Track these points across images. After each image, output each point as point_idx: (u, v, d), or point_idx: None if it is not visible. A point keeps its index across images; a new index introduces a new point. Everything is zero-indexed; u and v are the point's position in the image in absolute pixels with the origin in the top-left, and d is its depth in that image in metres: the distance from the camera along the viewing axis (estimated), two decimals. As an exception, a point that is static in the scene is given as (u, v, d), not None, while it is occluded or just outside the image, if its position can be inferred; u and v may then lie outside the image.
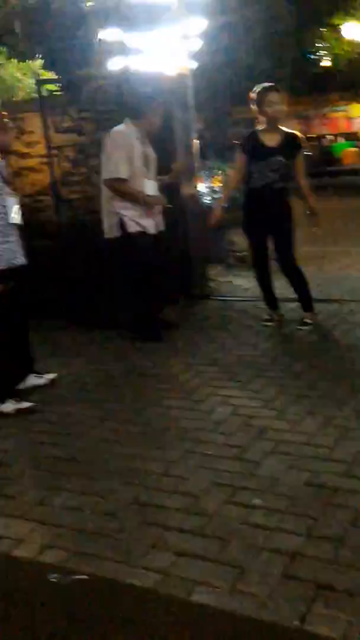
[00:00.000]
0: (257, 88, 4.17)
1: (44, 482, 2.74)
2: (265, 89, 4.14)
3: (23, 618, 1.95)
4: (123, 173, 4.11)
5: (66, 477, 2.74)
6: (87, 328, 4.72)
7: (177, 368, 3.86)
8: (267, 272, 4.49)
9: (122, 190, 4.17)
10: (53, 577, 2.11)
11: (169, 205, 4.36)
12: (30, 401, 3.56)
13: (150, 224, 4.29)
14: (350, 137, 22.90)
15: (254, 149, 4.19)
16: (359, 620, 1.75)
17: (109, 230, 4.31)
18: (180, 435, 2.99)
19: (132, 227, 4.21)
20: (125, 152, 4.12)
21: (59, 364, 4.06)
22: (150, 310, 4.43)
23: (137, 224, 4.22)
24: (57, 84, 5.52)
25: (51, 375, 3.86)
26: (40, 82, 5.49)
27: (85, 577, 2.09)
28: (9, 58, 8.80)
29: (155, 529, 2.28)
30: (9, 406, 3.52)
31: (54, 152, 5.06)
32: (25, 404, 3.56)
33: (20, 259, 3.58)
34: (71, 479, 2.72)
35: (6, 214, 3.52)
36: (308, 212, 4.31)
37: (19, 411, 3.50)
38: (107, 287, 4.69)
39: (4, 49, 9.29)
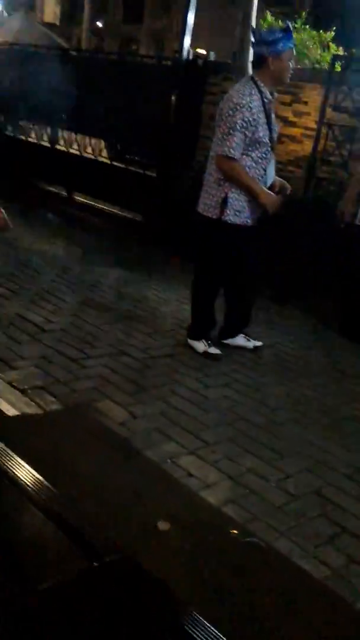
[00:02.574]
0: None
1: (236, 440, 3.06)
2: None
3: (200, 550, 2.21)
4: None
5: (256, 442, 3.07)
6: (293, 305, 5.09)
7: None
8: None
9: None
10: (233, 532, 2.33)
11: None
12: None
13: None
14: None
15: None
16: None
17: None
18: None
19: None
20: None
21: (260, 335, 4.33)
22: None
23: None
24: (343, 61, 5.67)
25: (258, 343, 4.21)
26: (336, 58, 5.82)
27: (262, 544, 2.31)
28: (304, 25, 9.24)
29: (334, 527, 2.52)
30: (201, 346, 3.98)
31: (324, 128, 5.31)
32: (214, 351, 3.97)
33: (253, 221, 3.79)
34: (260, 447, 3.04)
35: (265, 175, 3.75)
36: None
37: (205, 353, 3.94)
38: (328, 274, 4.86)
39: (303, 14, 9.43)
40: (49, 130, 8.47)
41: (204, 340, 4.00)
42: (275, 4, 13.86)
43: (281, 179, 4.02)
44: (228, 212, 3.70)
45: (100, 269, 5.48)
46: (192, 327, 4.07)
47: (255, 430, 3.20)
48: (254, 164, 3.67)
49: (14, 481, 1.63)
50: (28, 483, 1.65)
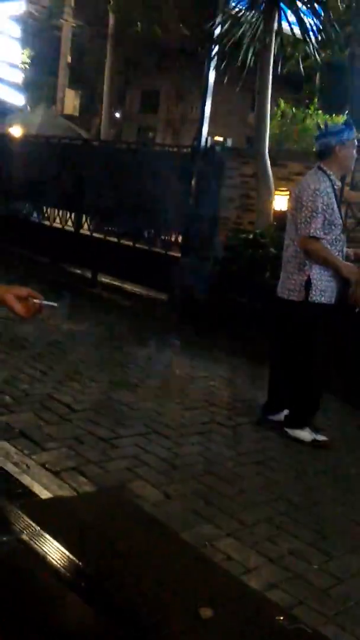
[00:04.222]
0: None
1: (274, 520, 2.97)
2: None
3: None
4: None
5: (296, 523, 2.97)
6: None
7: None
8: None
9: None
10: (280, 619, 2.25)
11: None
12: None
13: None
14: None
15: None
16: None
17: None
18: None
19: None
20: None
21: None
22: None
23: None
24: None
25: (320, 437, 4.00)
26: None
27: (310, 630, 2.24)
28: (317, 109, 9.65)
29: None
30: (307, 435, 3.85)
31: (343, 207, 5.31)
32: (322, 438, 3.86)
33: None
34: (300, 527, 2.94)
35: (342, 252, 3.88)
36: None
37: (314, 442, 3.83)
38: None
39: (315, 100, 9.81)
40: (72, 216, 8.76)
41: (308, 428, 3.92)
42: (286, 91, 14.51)
43: (354, 249, 4.15)
44: (314, 292, 3.78)
45: (128, 348, 5.53)
46: (295, 415, 3.96)
47: (294, 510, 3.11)
48: (329, 246, 3.80)
49: (49, 564, 1.60)
50: (63, 566, 1.61)
